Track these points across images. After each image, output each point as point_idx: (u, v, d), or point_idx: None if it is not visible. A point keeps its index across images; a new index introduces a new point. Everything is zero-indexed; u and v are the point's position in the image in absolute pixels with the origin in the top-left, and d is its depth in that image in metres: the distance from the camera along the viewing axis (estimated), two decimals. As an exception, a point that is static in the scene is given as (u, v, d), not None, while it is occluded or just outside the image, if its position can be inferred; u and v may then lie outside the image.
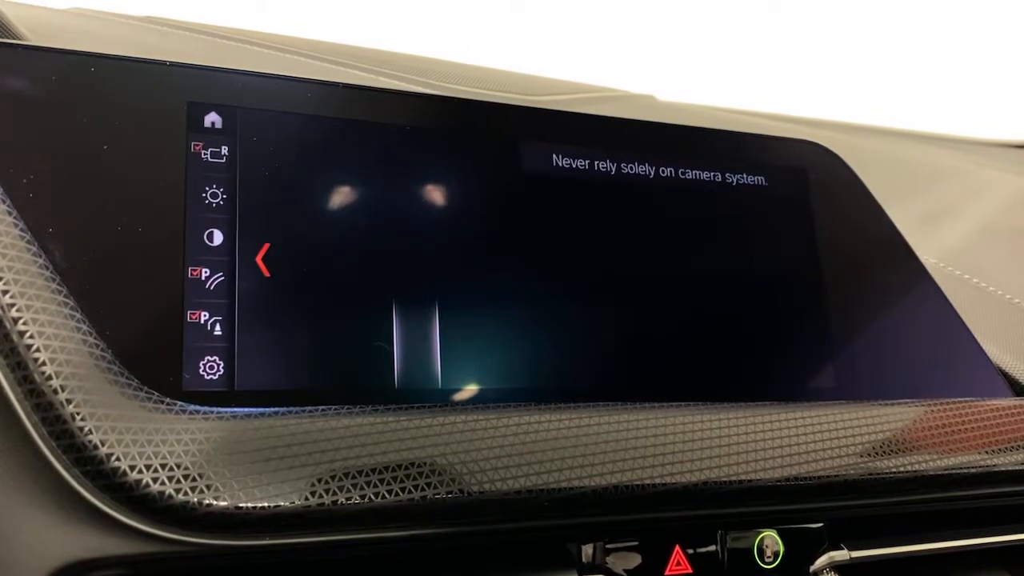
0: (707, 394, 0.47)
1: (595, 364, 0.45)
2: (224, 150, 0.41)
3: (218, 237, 0.40)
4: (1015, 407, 0.54)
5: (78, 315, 0.35)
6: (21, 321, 0.34)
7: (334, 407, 0.38)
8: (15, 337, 0.33)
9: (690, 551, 0.43)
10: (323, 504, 0.35)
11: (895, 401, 0.50)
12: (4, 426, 0.34)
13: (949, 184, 0.80)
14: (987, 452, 0.50)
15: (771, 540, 0.45)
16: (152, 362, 0.37)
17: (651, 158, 0.50)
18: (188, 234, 0.39)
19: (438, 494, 0.37)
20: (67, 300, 0.35)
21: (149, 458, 0.33)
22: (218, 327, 0.39)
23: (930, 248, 0.66)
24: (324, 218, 0.42)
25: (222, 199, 0.40)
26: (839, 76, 1.11)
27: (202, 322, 0.39)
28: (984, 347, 0.56)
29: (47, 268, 0.36)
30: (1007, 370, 0.57)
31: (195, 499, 0.33)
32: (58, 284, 0.36)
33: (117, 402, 0.34)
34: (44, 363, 0.33)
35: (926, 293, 0.55)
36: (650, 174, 0.49)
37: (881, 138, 0.84)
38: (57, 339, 0.34)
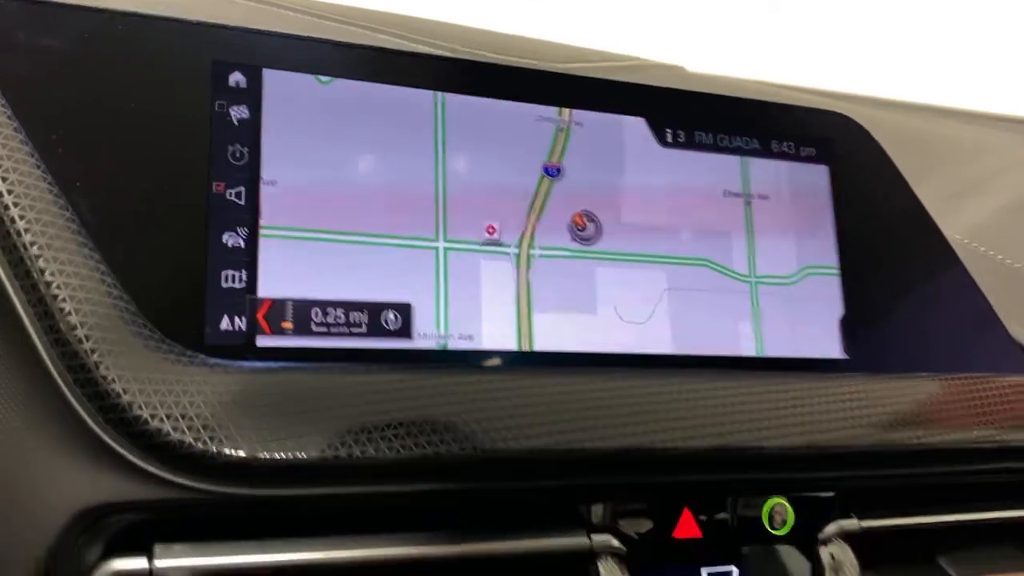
0: (720, 362, 0.47)
1: (612, 330, 0.46)
2: (248, 109, 0.41)
3: (243, 196, 0.40)
4: (1034, 384, 0.54)
5: (103, 268, 0.36)
6: (48, 272, 0.35)
7: (352, 364, 0.39)
8: (42, 288, 0.34)
9: (699, 515, 0.43)
10: (338, 457, 0.36)
11: (910, 374, 0.50)
12: (32, 374, 0.35)
13: (979, 161, 0.78)
14: (1002, 428, 0.50)
15: (781, 507, 0.45)
16: (176, 316, 0.38)
17: (676, 125, 0.50)
18: (212, 192, 0.40)
19: (452, 450, 0.38)
20: (93, 254, 0.36)
21: (169, 408, 0.34)
22: (241, 283, 0.40)
23: (956, 224, 0.65)
24: (347, 178, 0.42)
25: (246, 158, 0.41)
26: (870, 49, 1.09)
27: (225, 278, 0.39)
28: (1007, 324, 0.56)
29: (74, 222, 0.36)
30: (1029, 346, 0.56)
31: (213, 448, 0.34)
32: (84, 238, 0.36)
33: (140, 353, 0.35)
34: (69, 313, 0.34)
35: (947, 267, 0.55)
36: (671, 141, 0.49)
37: (911, 113, 0.83)
38: (82, 291, 0.35)
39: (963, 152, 0.74)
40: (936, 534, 0.49)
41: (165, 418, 0.34)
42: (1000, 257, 0.64)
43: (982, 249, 0.65)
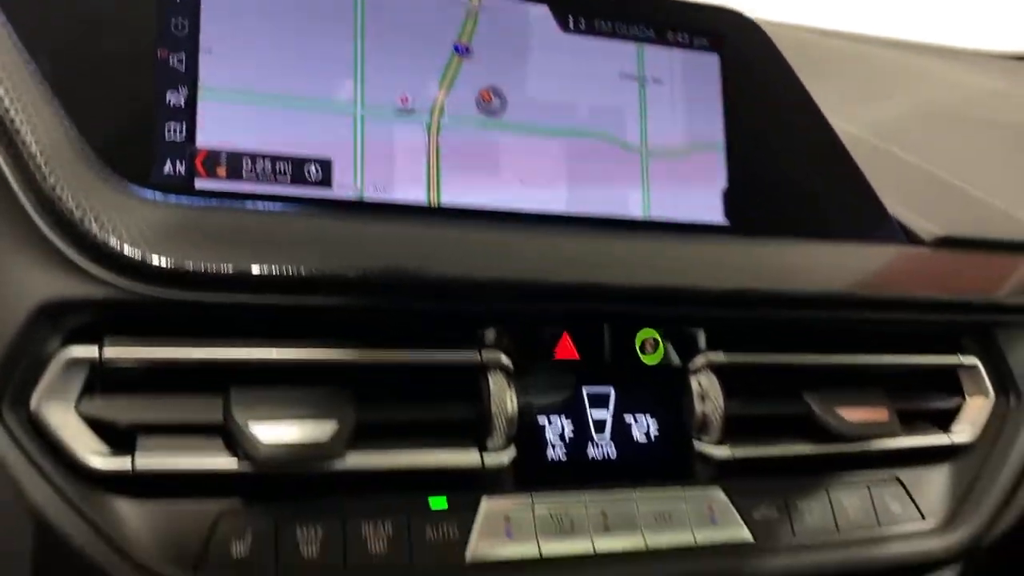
0: (608, 222, 0.54)
1: (512, 191, 0.52)
2: (189, -13, 0.48)
3: (183, 61, 0.47)
4: (902, 252, 0.60)
5: (63, 114, 0.43)
6: (12, 111, 0.42)
7: (278, 204, 0.46)
8: (7, 124, 0.42)
9: (578, 340, 0.50)
10: (260, 270, 0.43)
11: (785, 238, 0.57)
12: (2, 196, 0.42)
13: (900, 78, 0.84)
14: (871, 286, 0.57)
15: (653, 339, 0.52)
16: (125, 160, 0.45)
17: (577, 12, 0.56)
18: (157, 58, 0.47)
19: (362, 272, 0.44)
20: (54, 100, 0.43)
21: (115, 224, 0.41)
22: (181, 135, 0.46)
23: (856, 122, 0.71)
24: (276, 50, 0.49)
25: (187, 29, 0.48)
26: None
27: (168, 129, 0.46)
28: (889, 203, 0.62)
29: (37, 73, 0.43)
30: (906, 222, 0.62)
31: (151, 257, 0.41)
32: (46, 88, 0.43)
33: (92, 182, 0.42)
34: (31, 145, 0.41)
35: (825, 147, 0.61)
36: (572, 27, 0.56)
37: (840, 41, 0.89)
38: (43, 128, 0.42)
39: (872, 67, 0.80)
40: (802, 373, 0.56)
41: (111, 231, 0.41)
42: (895, 150, 0.71)
43: (877, 143, 0.71)
